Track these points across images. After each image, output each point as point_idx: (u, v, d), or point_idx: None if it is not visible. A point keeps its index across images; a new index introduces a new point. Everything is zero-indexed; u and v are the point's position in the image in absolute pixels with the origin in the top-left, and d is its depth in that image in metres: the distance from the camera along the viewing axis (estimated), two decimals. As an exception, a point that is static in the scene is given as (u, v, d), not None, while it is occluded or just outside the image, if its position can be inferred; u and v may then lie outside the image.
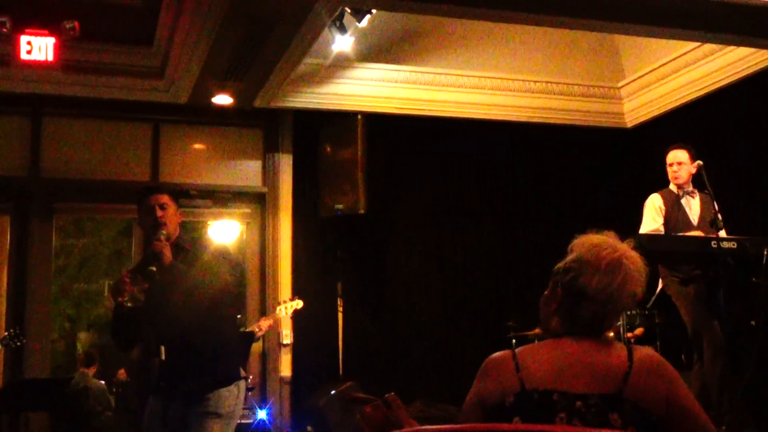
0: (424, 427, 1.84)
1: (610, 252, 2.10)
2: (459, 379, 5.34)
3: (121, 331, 3.92)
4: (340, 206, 7.21)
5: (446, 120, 7.76)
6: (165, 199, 4.07)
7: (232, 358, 4.11)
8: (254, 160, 7.64)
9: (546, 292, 2.18)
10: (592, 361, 2.01)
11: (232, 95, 6.97)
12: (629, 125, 8.27)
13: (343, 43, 6.25)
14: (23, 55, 5.50)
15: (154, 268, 3.81)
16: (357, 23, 5.91)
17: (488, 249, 7.91)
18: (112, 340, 4.09)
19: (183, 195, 7.21)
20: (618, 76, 8.19)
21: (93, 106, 7.06)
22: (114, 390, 8.81)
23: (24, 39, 5.49)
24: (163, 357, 3.77)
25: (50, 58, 5.53)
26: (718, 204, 5.33)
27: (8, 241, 7.22)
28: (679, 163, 5.77)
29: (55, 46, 5.52)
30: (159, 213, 3.98)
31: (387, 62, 7.49)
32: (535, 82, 7.97)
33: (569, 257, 2.15)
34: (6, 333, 6.08)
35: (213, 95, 6.94)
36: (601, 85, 8.19)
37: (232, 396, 3.95)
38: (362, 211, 7.17)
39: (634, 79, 8.05)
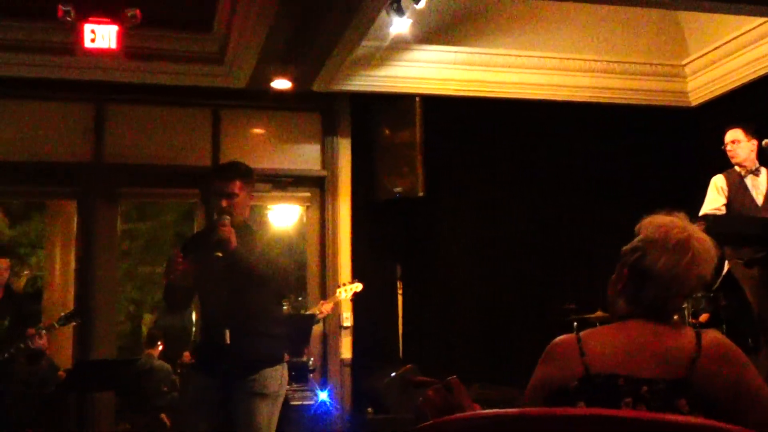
0: (486, 411, 1.83)
1: (679, 232, 2.05)
2: (518, 363, 5.31)
3: (170, 301, 4.28)
4: (399, 189, 7.21)
5: (505, 101, 7.67)
6: (237, 186, 4.12)
7: (279, 339, 4.19)
8: (313, 144, 7.66)
9: (613, 275, 2.15)
10: (659, 344, 1.97)
11: (290, 79, 6.99)
12: (694, 104, 8.07)
13: (400, 25, 6.20)
14: (87, 44, 5.58)
15: (221, 254, 3.90)
16: (415, 5, 5.87)
17: (548, 231, 7.82)
18: (164, 302, 4.46)
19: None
20: (682, 54, 8.00)
21: (154, 92, 7.16)
22: (178, 371, 8.97)
23: (88, 27, 5.57)
24: (228, 341, 3.85)
25: (113, 45, 5.60)
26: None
27: (75, 226, 7.41)
28: (734, 141, 5.64)
29: (118, 33, 5.60)
30: (225, 203, 4.07)
31: (445, 44, 7.43)
32: (596, 61, 7.83)
33: (636, 238, 2.10)
34: (62, 313, 6.22)
35: (272, 80, 6.98)
36: (664, 63, 8.01)
37: (278, 376, 4.04)
38: (421, 194, 7.17)
39: (699, 57, 7.84)
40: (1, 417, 5.80)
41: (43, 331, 5.84)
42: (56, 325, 6.00)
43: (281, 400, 4.12)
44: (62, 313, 6.23)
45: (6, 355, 5.72)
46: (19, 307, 6.08)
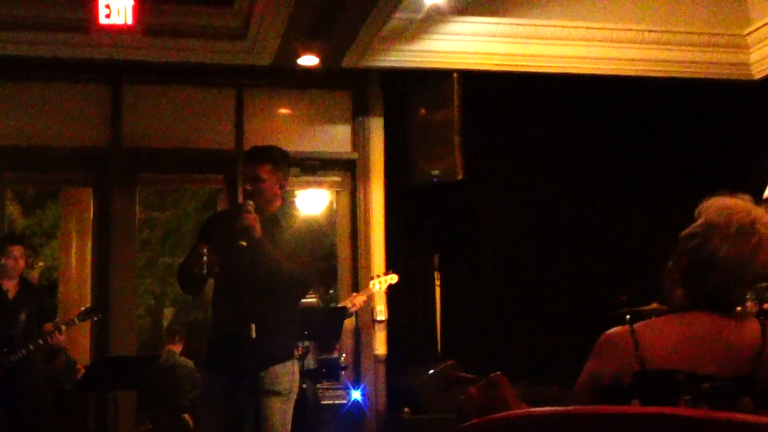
0: (535, 409, 1.82)
1: (743, 216, 2.01)
2: (566, 358, 5.30)
3: (184, 282, 4.22)
4: (436, 172, 7.20)
5: (550, 76, 7.61)
6: (263, 170, 4.12)
7: (291, 336, 4.27)
8: (343, 124, 7.67)
9: (670, 262, 2.12)
10: (720, 338, 1.95)
11: (318, 55, 6.99)
12: (757, 77, 7.95)
13: (436, -6, 6.18)
14: (102, 20, 5.64)
15: (245, 243, 3.91)
16: (451, -27, 5.85)
17: (597, 216, 7.76)
18: (179, 284, 4.38)
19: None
20: (743, 23, 7.88)
21: (174, 71, 7.21)
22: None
23: (102, 2, 5.62)
24: (254, 335, 3.88)
25: (129, 21, 5.66)
26: None
27: (91, 214, 7.50)
28: None
29: (134, 8, 5.65)
30: (249, 186, 4.08)
31: (485, 15, 7.39)
32: (649, 31, 7.74)
33: (696, 222, 2.07)
34: (82, 308, 6.29)
35: (298, 56, 6.98)
36: (724, 33, 7.89)
37: (288, 372, 4.09)
38: (459, 177, 7.15)
39: (763, 25, 7.73)
40: (18, 418, 5.89)
41: (63, 327, 5.90)
42: (76, 320, 6.07)
43: (294, 397, 4.15)
44: (82, 308, 6.30)
45: (24, 352, 5.78)
46: (36, 300, 6.15)
